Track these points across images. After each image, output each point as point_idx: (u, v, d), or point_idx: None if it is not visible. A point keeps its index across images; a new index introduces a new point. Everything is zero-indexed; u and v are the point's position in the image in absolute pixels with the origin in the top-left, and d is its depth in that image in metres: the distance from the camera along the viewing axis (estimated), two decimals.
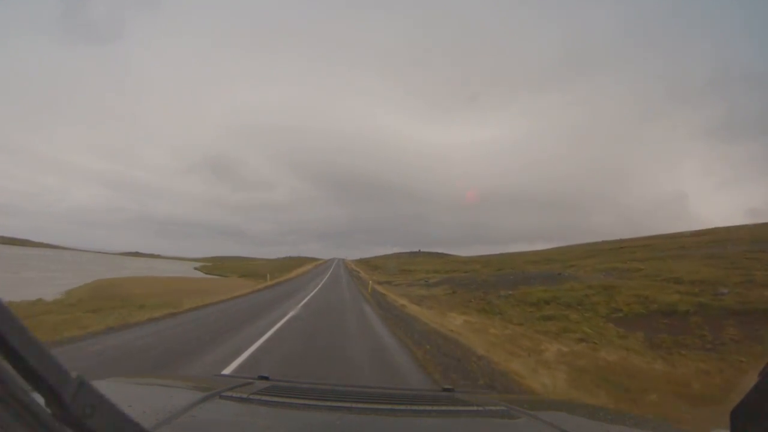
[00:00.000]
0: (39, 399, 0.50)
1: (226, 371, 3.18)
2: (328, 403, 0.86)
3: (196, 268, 51.75)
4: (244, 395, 0.87)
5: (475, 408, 0.97)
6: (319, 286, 16.56)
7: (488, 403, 1.01)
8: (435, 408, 0.95)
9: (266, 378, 1.14)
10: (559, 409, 1.20)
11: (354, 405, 0.86)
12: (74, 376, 0.50)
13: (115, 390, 0.91)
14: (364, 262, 73.34)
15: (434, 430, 0.83)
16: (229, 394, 0.87)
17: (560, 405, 1.48)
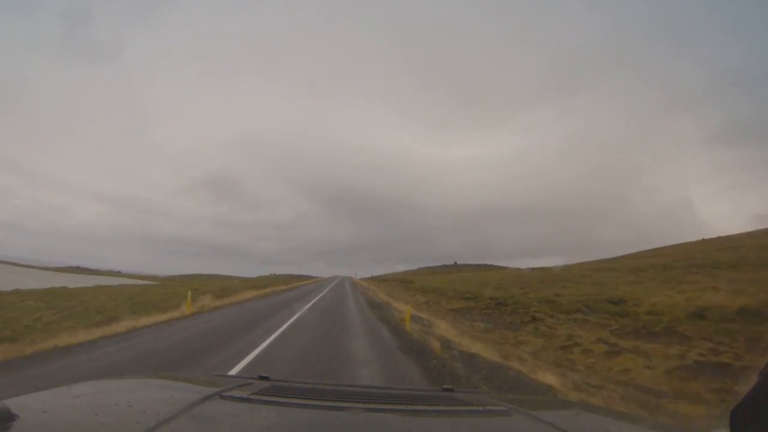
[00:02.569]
0: None
1: None
2: (328, 403, 1.09)
3: None
4: (244, 395, 1.10)
5: (475, 408, 1.20)
6: None
7: (488, 403, 1.25)
8: (435, 408, 1.19)
9: (266, 378, 1.43)
10: (559, 408, 1.48)
11: (354, 405, 1.08)
12: None
13: (115, 390, 1.19)
14: (399, 283, 48.01)
15: (434, 430, 1.02)
16: (229, 394, 1.11)
17: (560, 405, 1.85)
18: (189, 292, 14.05)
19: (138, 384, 1.33)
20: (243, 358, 6.37)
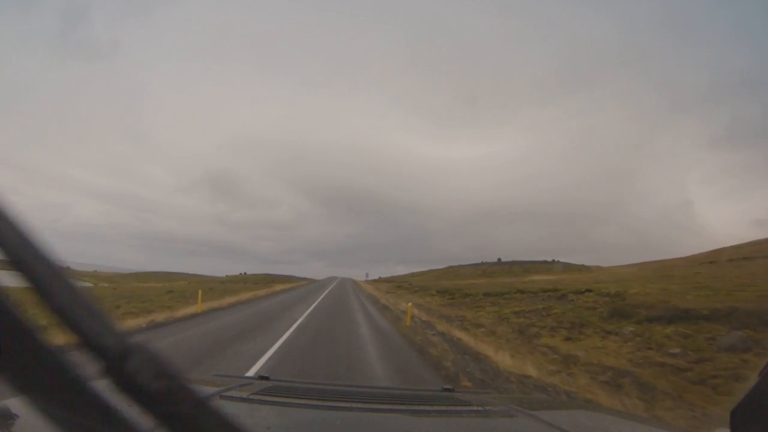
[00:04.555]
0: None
1: None
2: (329, 403, 1.37)
3: None
4: (244, 395, 1.40)
5: (475, 408, 1.50)
6: None
7: (488, 403, 1.56)
8: (435, 408, 1.50)
9: (266, 378, 1.81)
10: (559, 408, 1.80)
11: (354, 405, 1.36)
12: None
13: None
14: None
15: (434, 430, 1.27)
16: (229, 394, 1.39)
17: (560, 405, 2.22)
18: None
19: None
20: None
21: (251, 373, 8.34)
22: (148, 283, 68.35)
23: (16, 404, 0.98)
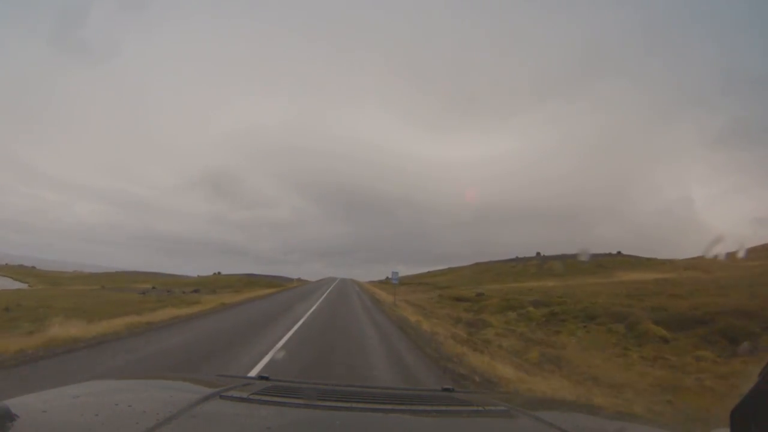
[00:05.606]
0: None
1: None
2: (329, 403, 1.52)
3: None
4: (244, 395, 1.56)
5: (475, 408, 1.67)
6: None
7: (488, 403, 1.73)
8: (435, 408, 1.65)
9: (266, 378, 1.99)
10: (559, 409, 1.92)
11: (354, 405, 1.51)
12: None
13: (114, 390, 1.68)
14: None
15: (434, 430, 1.44)
16: (229, 394, 1.55)
17: (560, 405, 2.38)
18: None
19: (138, 384, 1.88)
20: None
21: None
22: (107, 285, 74.33)
23: (16, 404, 1.12)
